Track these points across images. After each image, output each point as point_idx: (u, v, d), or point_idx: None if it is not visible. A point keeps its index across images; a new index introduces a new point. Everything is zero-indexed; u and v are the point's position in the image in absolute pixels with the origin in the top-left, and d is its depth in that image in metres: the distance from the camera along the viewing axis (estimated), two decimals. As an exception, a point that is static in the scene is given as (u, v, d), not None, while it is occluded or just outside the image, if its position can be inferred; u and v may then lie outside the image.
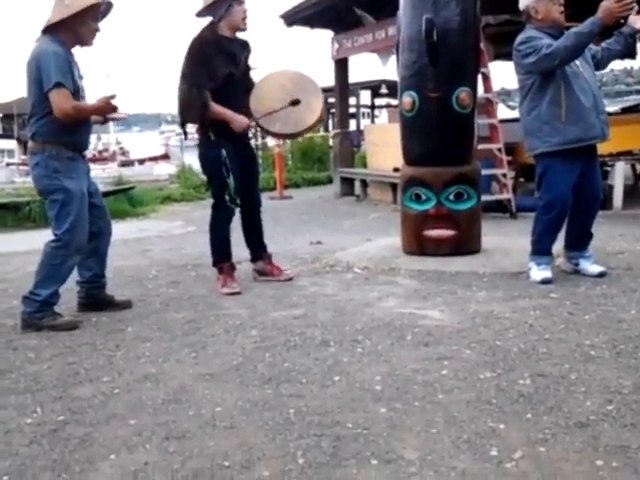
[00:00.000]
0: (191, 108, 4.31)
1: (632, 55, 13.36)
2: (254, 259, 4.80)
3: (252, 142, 4.94)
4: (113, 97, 3.82)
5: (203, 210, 5.76)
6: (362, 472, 2.04)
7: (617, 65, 43.14)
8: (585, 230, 4.46)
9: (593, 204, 4.42)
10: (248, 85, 4.50)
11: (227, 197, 4.41)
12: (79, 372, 3.04)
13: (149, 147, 31.30)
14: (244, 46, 4.49)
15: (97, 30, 3.87)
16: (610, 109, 12.02)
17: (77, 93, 3.79)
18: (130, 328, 3.73)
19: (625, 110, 14.62)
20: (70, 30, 3.77)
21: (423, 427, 2.33)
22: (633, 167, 9.45)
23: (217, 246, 4.58)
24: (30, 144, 3.83)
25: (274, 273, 4.75)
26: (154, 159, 28.49)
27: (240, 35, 4.48)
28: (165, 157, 29.05)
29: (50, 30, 3.77)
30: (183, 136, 4.88)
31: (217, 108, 4.27)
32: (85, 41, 3.88)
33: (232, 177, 4.37)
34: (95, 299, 4.12)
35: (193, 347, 3.33)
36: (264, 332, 3.54)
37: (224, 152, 4.33)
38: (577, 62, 4.18)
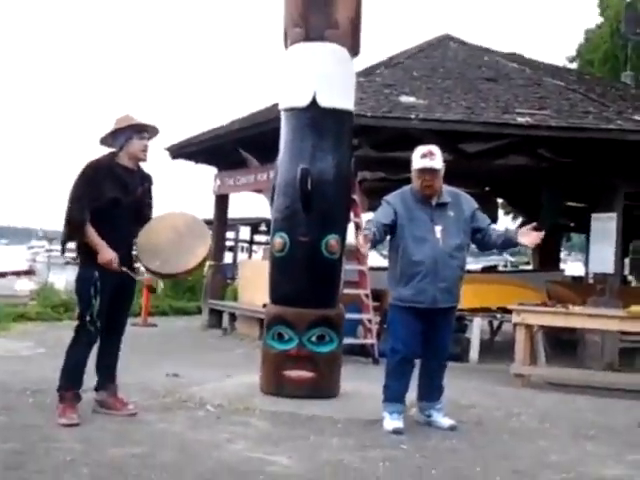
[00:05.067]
0: (69, 225, 4.30)
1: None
2: (98, 388, 4.53)
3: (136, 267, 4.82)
4: None
5: (58, 331, 5.43)
6: None
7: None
8: (435, 382, 4.56)
9: (440, 357, 4.56)
10: (144, 217, 4.51)
11: (88, 318, 4.27)
12: None
13: (14, 261, 29.84)
14: (144, 178, 4.56)
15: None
16: (472, 267, 12.81)
17: None
18: (-55, 458, 3.33)
19: (485, 269, 15.62)
20: None
21: None
22: (491, 323, 9.94)
23: (69, 370, 4.32)
24: None
25: (116, 407, 4.47)
26: (17, 274, 27.05)
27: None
28: (29, 273, 27.65)
29: None
30: (59, 252, 4.93)
31: (90, 233, 4.24)
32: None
33: (99, 299, 4.25)
34: None
35: (12, 485, 3.00)
36: (96, 471, 3.27)
37: (97, 273, 4.26)
38: (436, 227, 4.37)
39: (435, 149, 4.47)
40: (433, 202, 4.45)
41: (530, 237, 4.43)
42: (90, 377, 4.49)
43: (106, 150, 4.53)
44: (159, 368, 6.64)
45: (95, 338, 4.35)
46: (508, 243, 4.64)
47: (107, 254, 4.23)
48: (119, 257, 4.28)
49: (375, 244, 4.42)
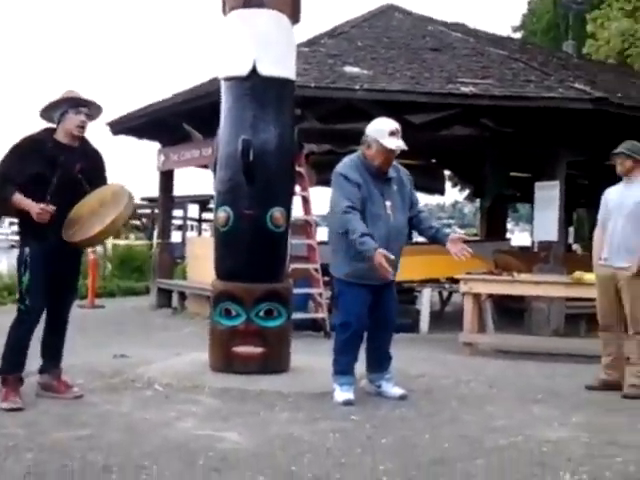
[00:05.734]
0: None
1: (442, 192, 14.66)
2: (41, 371, 4.43)
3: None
4: None
5: (1, 316, 5.23)
6: None
7: (431, 200, 47.00)
8: (383, 352, 4.57)
9: (388, 327, 4.58)
10: (82, 194, 4.32)
11: (18, 295, 4.26)
12: None
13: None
14: (87, 155, 4.42)
15: None
16: (421, 239, 12.93)
17: None
18: None
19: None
20: None
21: None
22: (440, 294, 10.05)
23: (9, 353, 4.23)
24: None
25: (60, 390, 4.37)
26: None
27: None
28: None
29: None
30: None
31: (17, 197, 4.13)
32: None
33: (28, 276, 4.17)
34: None
35: (-51, 473, 2.89)
36: (40, 455, 3.18)
37: (27, 250, 4.20)
38: (387, 203, 4.34)
39: (397, 124, 4.40)
40: (383, 176, 4.39)
41: (457, 247, 4.43)
42: (34, 359, 4.38)
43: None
44: (106, 349, 6.52)
45: (32, 317, 4.24)
46: (434, 240, 4.62)
47: (35, 207, 4.08)
48: (52, 232, 4.15)
49: None
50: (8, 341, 4.24)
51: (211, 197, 21.62)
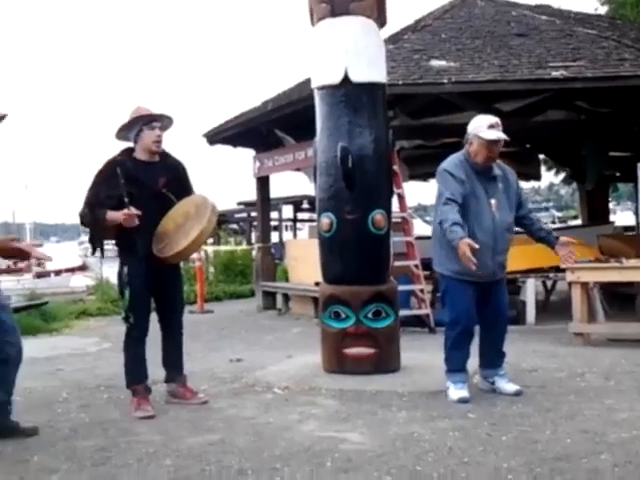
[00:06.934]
0: (83, 226, 4.50)
1: (538, 177, 14.32)
2: (167, 380, 4.68)
3: None
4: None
5: (120, 326, 5.53)
6: None
7: (526, 184, 45.81)
8: (496, 349, 4.58)
9: (500, 323, 4.56)
10: (170, 206, 4.48)
11: (123, 312, 4.45)
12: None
13: (66, 258, 30.55)
14: (169, 168, 4.55)
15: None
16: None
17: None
18: (36, 457, 3.51)
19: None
20: None
21: None
22: (544, 283, 9.85)
23: (130, 366, 4.48)
24: None
25: (187, 397, 4.61)
26: (71, 270, 27.71)
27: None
28: (82, 268, 28.29)
29: None
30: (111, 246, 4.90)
31: (108, 215, 4.30)
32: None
33: (129, 292, 4.35)
34: (-2, 427, 3.87)
35: (102, 480, 3.15)
36: (178, 461, 3.40)
37: (125, 269, 4.39)
38: (492, 201, 4.36)
39: (497, 118, 4.45)
40: (488, 174, 4.42)
41: (564, 251, 4.46)
42: (159, 368, 4.64)
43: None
44: (222, 353, 6.82)
45: (139, 332, 4.42)
46: (544, 242, 4.60)
47: (119, 215, 4.25)
48: (144, 248, 4.33)
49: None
50: (126, 356, 4.49)
51: (304, 198, 21.90)
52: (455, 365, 4.47)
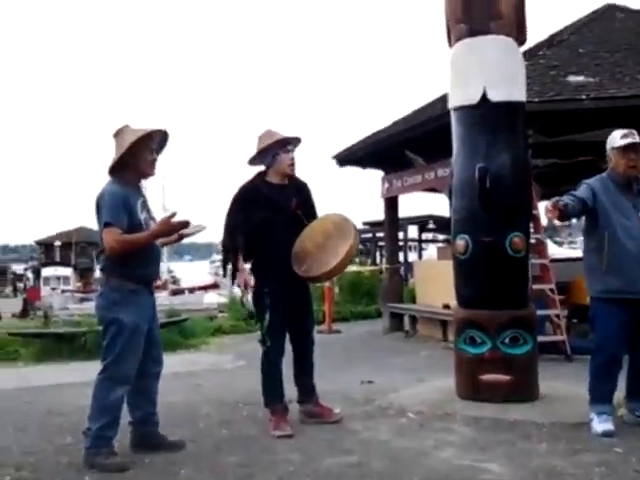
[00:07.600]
0: (224, 251, 4.60)
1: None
2: (301, 401, 4.74)
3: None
4: (173, 215, 3.82)
5: (253, 343, 5.75)
6: None
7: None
8: (645, 380, 4.33)
9: None
10: (303, 227, 4.57)
11: (260, 334, 4.51)
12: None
13: (199, 276, 31.93)
14: (299, 189, 4.65)
15: (154, 160, 4.01)
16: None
17: (138, 227, 3.87)
18: (183, 471, 3.68)
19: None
20: (130, 166, 3.92)
21: None
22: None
23: (267, 387, 4.58)
24: (99, 276, 4.00)
25: (324, 414, 4.68)
26: (204, 288, 28.95)
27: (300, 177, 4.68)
28: (214, 286, 29.52)
29: (115, 170, 3.93)
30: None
31: (238, 258, 4.45)
32: (145, 173, 4.03)
33: (269, 315, 4.43)
34: (148, 439, 4.09)
35: (247, 496, 3.26)
36: (318, 481, 3.46)
37: (267, 289, 4.45)
38: (628, 211, 4.23)
39: (631, 129, 4.35)
40: (634, 188, 4.31)
41: None
42: (291, 383, 4.71)
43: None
44: (352, 374, 6.88)
45: (276, 355, 4.50)
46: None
47: (240, 279, 4.44)
48: (284, 269, 4.39)
49: (567, 216, 4.23)
50: (263, 377, 4.58)
51: (429, 218, 21.68)
52: (600, 395, 4.26)
